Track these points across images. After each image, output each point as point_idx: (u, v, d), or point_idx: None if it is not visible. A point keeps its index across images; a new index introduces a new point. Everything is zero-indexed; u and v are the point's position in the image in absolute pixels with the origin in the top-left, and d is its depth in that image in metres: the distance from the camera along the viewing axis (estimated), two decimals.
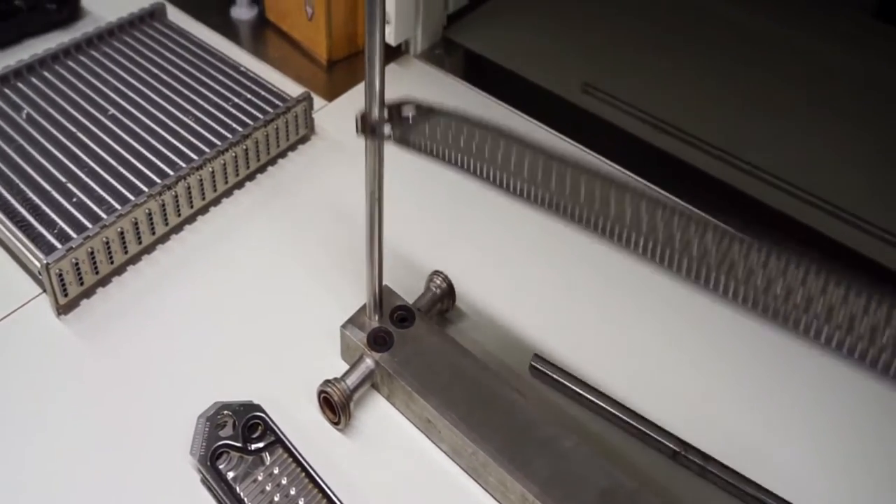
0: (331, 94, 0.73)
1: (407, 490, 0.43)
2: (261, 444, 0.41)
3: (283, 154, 0.65)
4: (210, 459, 0.40)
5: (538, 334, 0.51)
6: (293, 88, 0.68)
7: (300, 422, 0.44)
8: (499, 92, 0.76)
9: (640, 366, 0.50)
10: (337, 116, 0.70)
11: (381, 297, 0.47)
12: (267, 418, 0.42)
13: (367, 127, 0.40)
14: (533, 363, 0.48)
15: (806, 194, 0.66)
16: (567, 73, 0.78)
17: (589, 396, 0.47)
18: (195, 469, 0.42)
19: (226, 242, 0.57)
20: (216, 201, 0.60)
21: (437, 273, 0.52)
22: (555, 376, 0.48)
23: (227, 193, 0.61)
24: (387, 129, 0.39)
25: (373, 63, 0.38)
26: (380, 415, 0.46)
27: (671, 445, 0.45)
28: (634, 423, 0.46)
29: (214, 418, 0.42)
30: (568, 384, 0.47)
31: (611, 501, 0.39)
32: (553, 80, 0.78)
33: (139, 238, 0.54)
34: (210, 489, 0.40)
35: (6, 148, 0.59)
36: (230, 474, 0.40)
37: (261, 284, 0.54)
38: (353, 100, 0.72)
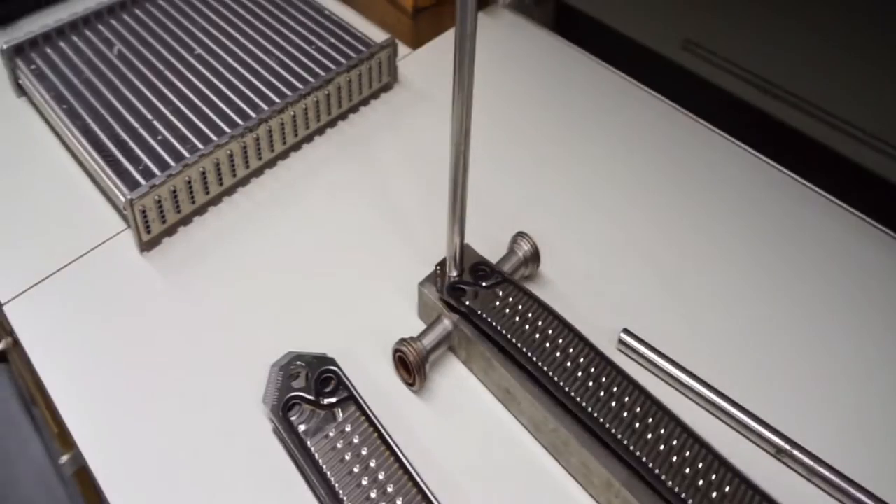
0: (415, 43, 0.70)
1: (480, 461, 0.41)
2: (333, 399, 0.40)
3: (365, 102, 0.63)
4: (282, 410, 0.40)
5: (629, 308, 0.48)
6: (378, 35, 0.65)
7: (374, 380, 0.43)
8: (591, 46, 0.71)
9: (740, 352, 0.46)
10: (421, 65, 0.67)
11: (462, 256, 0.45)
12: (340, 373, 0.41)
13: (444, 284, 0.43)
14: (622, 338, 0.45)
15: None
16: (666, 28, 0.72)
17: (683, 379, 0.43)
18: (267, 418, 0.41)
19: (305, 189, 0.55)
20: (297, 146, 0.58)
21: (521, 235, 0.49)
22: (646, 354, 0.44)
23: (308, 139, 0.59)
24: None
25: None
26: (456, 379, 0.44)
27: (776, 440, 0.41)
28: (734, 413, 0.42)
29: (287, 368, 0.41)
30: (660, 364, 0.44)
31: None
32: (651, 36, 0.72)
33: (220, 180, 0.54)
34: (281, 440, 0.40)
35: (98, 83, 0.59)
36: (301, 427, 0.39)
37: (338, 234, 0.52)
38: (438, 49, 0.69)
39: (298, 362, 0.42)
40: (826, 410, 0.44)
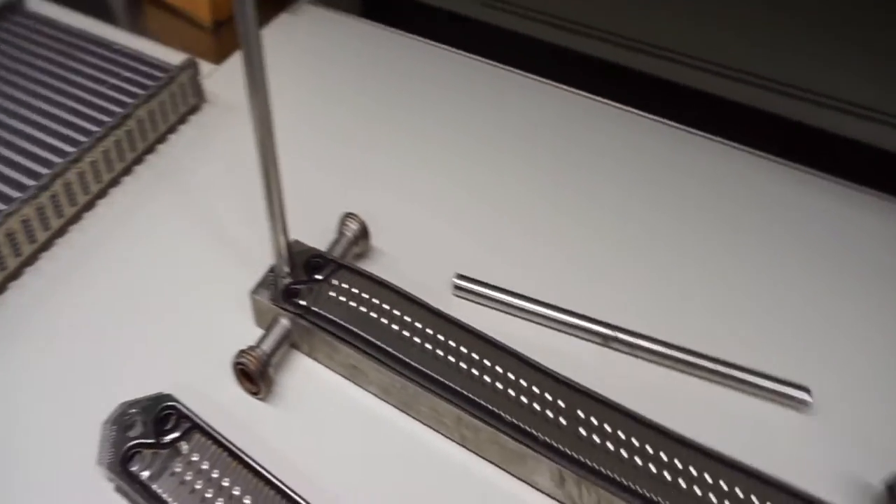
0: (220, 57, 0.67)
1: (338, 443, 0.39)
2: (176, 434, 0.37)
3: (172, 129, 0.59)
4: (121, 464, 0.36)
5: (459, 257, 0.48)
6: (179, 58, 0.62)
7: (219, 402, 0.40)
8: (399, 23, 0.71)
9: (563, 265, 0.49)
10: (228, 79, 0.64)
11: (290, 252, 0.43)
12: (179, 406, 0.38)
13: (278, 290, 0.42)
14: (455, 283, 0.46)
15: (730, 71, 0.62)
16: None
17: (516, 303, 0.45)
18: (107, 479, 0.37)
19: (119, 235, 0.51)
20: (102, 193, 0.54)
21: (348, 215, 0.47)
22: (479, 290, 0.45)
23: (115, 182, 0.55)
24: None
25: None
26: (303, 374, 0.42)
27: (601, 331, 0.44)
28: (562, 319, 0.44)
29: (121, 420, 0.38)
30: (493, 295, 0.45)
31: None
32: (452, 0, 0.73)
33: (17, 250, 0.49)
34: (125, 495, 0.36)
35: None
36: (145, 474, 0.36)
37: (164, 270, 0.49)
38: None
39: (132, 410, 0.38)
40: (648, 292, 0.48)
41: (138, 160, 0.57)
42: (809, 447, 0.39)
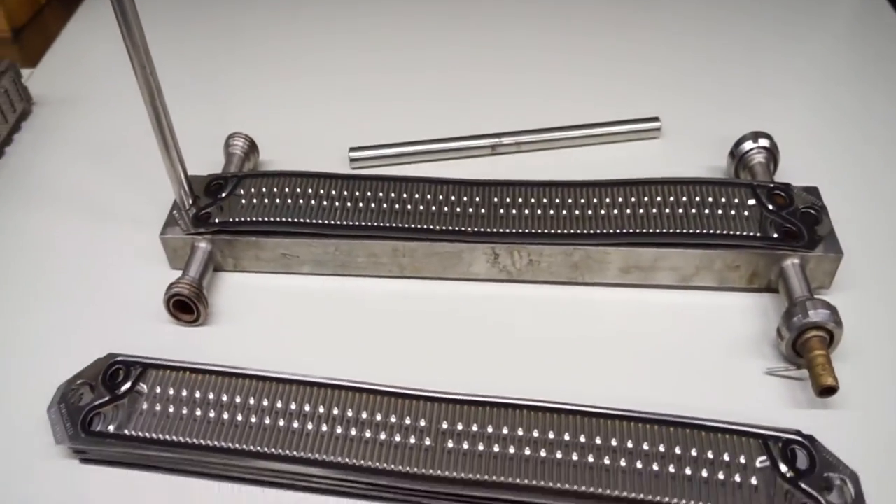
0: (33, 60, 0.62)
1: (291, 328, 0.40)
2: (129, 383, 0.34)
3: (6, 142, 0.54)
4: (83, 431, 0.33)
5: (347, 140, 0.49)
6: None
7: (162, 345, 0.38)
8: None
9: (438, 104, 0.53)
10: (50, 76, 0.60)
11: (191, 185, 0.41)
12: (124, 358, 0.35)
13: (187, 219, 0.40)
14: (351, 156, 0.48)
15: None
16: None
17: (407, 150, 0.48)
18: (73, 451, 0.34)
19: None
20: None
21: (232, 136, 0.46)
22: (375, 154, 0.48)
23: None
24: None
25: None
26: (234, 289, 0.41)
27: (488, 143, 0.47)
28: (453, 146, 0.48)
29: (66, 398, 0.34)
30: (387, 153, 0.48)
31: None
32: None
33: None
34: (95, 461, 0.33)
35: None
36: (111, 427, 0.33)
37: (62, 262, 0.44)
38: (62, 51, 0.62)
39: (77, 383, 0.35)
40: (512, 97, 0.54)
41: None
42: (671, 160, 0.47)
